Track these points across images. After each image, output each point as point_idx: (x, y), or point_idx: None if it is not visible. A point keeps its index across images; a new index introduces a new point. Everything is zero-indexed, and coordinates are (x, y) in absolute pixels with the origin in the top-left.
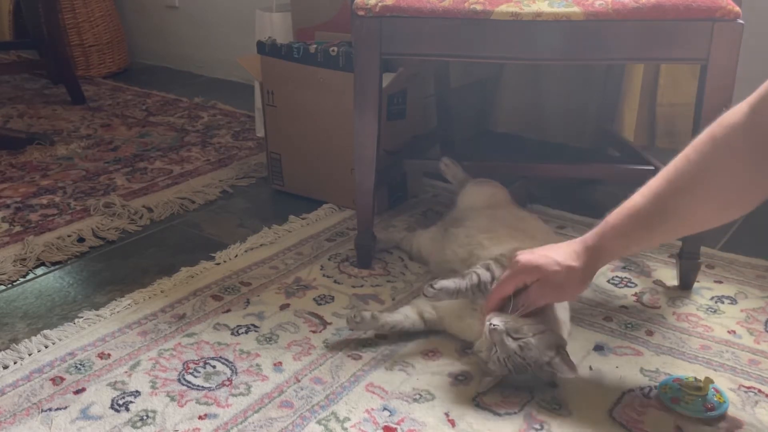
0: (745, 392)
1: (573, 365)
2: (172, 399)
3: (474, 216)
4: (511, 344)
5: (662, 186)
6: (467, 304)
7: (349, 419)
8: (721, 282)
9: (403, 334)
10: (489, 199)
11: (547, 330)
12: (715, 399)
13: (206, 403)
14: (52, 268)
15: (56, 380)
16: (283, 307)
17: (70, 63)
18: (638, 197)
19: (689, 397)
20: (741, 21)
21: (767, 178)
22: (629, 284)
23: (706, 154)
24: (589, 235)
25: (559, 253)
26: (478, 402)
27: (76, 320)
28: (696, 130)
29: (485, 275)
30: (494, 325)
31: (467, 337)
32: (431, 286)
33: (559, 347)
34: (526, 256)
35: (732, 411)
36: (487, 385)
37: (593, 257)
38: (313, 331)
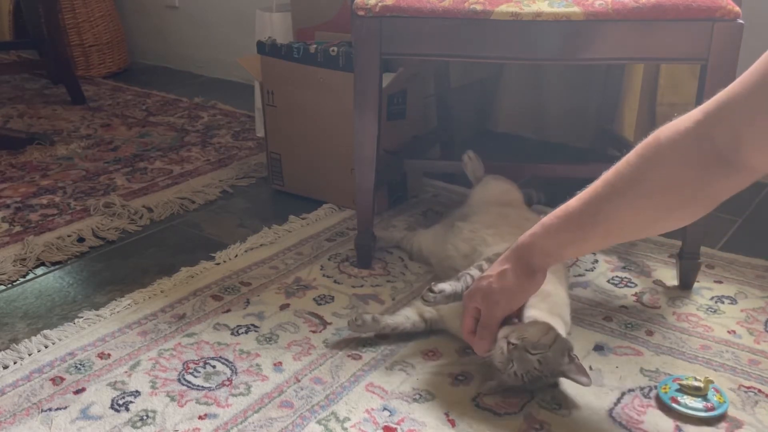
0: (745, 392)
1: (585, 371)
2: (172, 399)
3: (482, 212)
4: (531, 359)
5: (598, 189)
6: None
7: (349, 419)
8: (721, 282)
9: (405, 335)
10: (502, 195)
11: (557, 336)
12: (715, 399)
13: (206, 403)
14: (52, 268)
15: (56, 380)
16: (283, 307)
17: (70, 63)
18: (574, 199)
19: (689, 397)
20: (741, 21)
21: (712, 190)
22: (629, 284)
23: (647, 158)
24: (523, 234)
25: (494, 266)
26: (478, 402)
27: (76, 320)
28: None
29: (478, 276)
30: (513, 343)
31: None
32: (430, 291)
33: (569, 351)
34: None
35: (732, 411)
36: (491, 389)
37: (524, 253)
38: (313, 331)
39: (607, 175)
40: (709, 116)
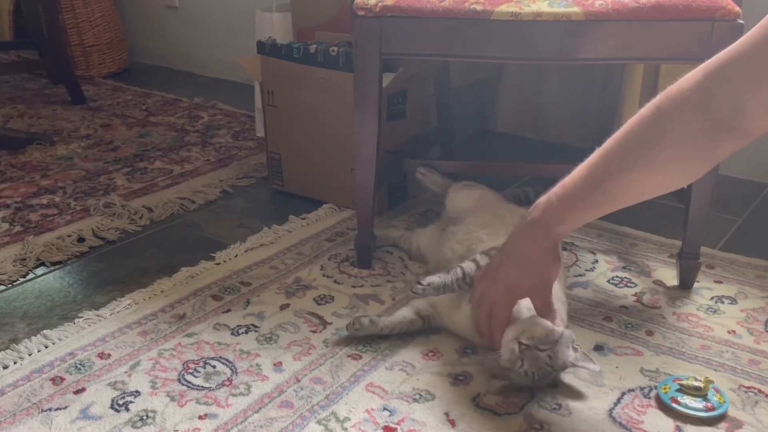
0: (745, 392)
1: (590, 358)
2: (172, 399)
3: (473, 214)
4: (542, 356)
5: (608, 164)
6: (465, 293)
7: (349, 419)
8: (721, 282)
9: (404, 334)
10: (478, 201)
11: (562, 330)
12: (715, 399)
13: (206, 403)
14: (52, 268)
15: (56, 380)
16: (283, 307)
17: (70, 63)
18: (580, 176)
19: (689, 397)
20: (741, 21)
21: (717, 153)
22: (629, 284)
23: (653, 131)
24: (531, 211)
25: (505, 250)
26: (478, 402)
27: (76, 320)
28: None
29: (470, 267)
30: (525, 344)
31: (464, 328)
32: (419, 283)
33: (573, 342)
34: (489, 292)
35: (732, 411)
36: (499, 388)
37: (539, 226)
38: (313, 331)
39: (611, 147)
40: (711, 79)
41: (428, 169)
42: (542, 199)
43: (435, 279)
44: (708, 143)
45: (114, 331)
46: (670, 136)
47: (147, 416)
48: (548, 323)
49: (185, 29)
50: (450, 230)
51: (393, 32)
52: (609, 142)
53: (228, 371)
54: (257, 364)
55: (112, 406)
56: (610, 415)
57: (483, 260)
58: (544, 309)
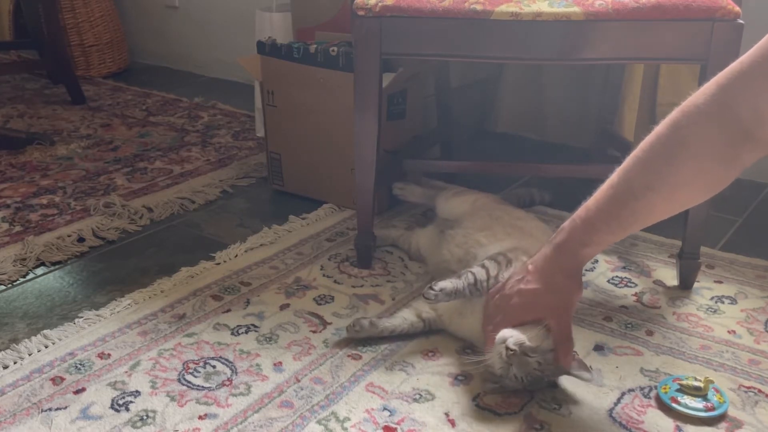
0: (745, 392)
1: (586, 366)
2: (172, 399)
3: (470, 218)
4: (530, 362)
5: (632, 184)
6: (468, 299)
7: (349, 419)
8: (721, 282)
9: (404, 336)
10: (473, 205)
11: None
12: (715, 399)
13: (206, 403)
14: (52, 268)
15: (56, 380)
16: (283, 307)
17: (70, 63)
18: (604, 197)
19: (689, 397)
20: (741, 21)
21: (741, 163)
22: (629, 284)
23: (672, 144)
24: (556, 236)
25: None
26: (478, 402)
27: (76, 320)
28: None
29: (481, 273)
30: (511, 350)
31: (468, 335)
32: (431, 289)
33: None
34: (503, 303)
35: (732, 411)
36: (493, 390)
37: (563, 251)
38: (313, 331)
39: (632, 167)
40: (725, 92)
41: (405, 183)
42: (567, 223)
43: (447, 284)
44: (729, 154)
45: (114, 331)
46: (691, 151)
47: (147, 416)
48: (544, 331)
49: (185, 29)
50: (448, 233)
51: (393, 32)
52: (629, 161)
53: (228, 371)
54: (257, 364)
55: (112, 406)
56: (610, 415)
57: (491, 265)
58: (561, 335)
